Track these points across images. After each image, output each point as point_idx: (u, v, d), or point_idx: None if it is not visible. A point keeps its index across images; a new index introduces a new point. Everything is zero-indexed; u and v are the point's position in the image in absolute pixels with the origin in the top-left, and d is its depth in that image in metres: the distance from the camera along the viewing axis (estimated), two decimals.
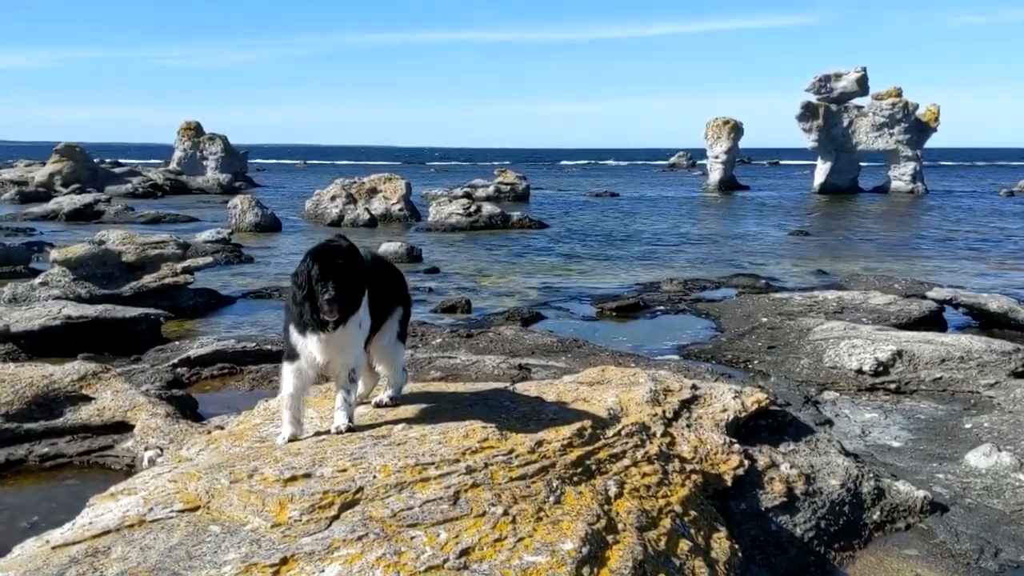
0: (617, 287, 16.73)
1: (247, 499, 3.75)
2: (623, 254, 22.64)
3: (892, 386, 9.32)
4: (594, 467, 4.42)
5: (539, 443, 4.44)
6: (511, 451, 4.28)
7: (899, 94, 53.03)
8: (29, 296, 10.59)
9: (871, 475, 6.01)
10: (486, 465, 4.07)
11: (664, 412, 5.84)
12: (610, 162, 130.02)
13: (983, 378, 9.24)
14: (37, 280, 11.32)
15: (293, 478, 3.85)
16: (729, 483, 5.30)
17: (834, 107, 53.29)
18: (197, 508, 3.89)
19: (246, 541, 3.49)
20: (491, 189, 38.75)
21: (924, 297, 13.93)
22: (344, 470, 3.92)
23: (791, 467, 5.78)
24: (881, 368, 9.52)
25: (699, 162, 66.43)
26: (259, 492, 3.75)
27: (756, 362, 10.68)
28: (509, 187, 39.61)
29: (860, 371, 9.56)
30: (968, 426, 7.98)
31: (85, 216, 28.76)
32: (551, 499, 3.94)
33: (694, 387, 6.52)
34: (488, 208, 28.02)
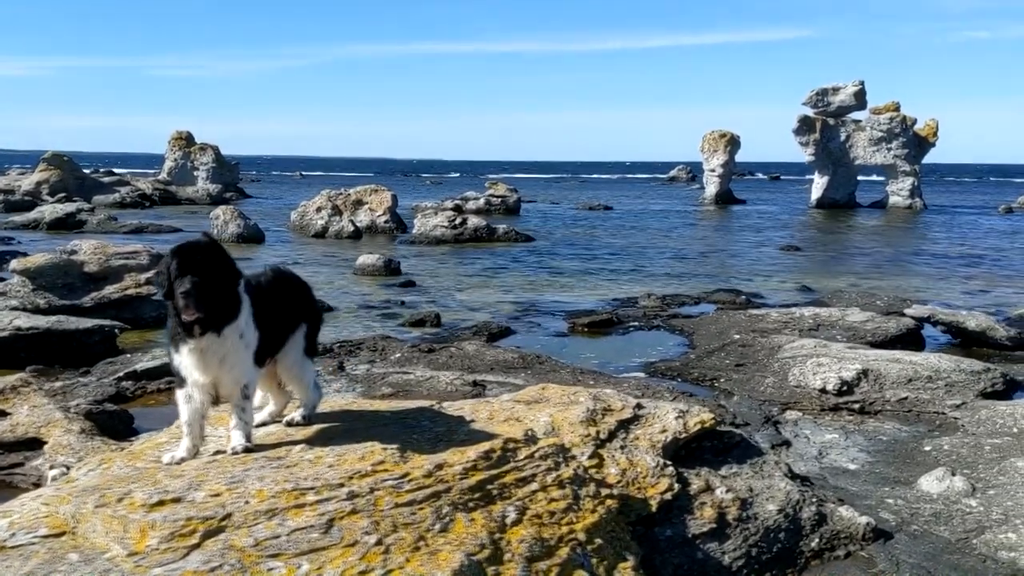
0: (595, 302, 16.52)
1: (110, 525, 3.54)
2: (607, 268, 22.44)
3: (856, 406, 9.09)
4: (496, 492, 4.21)
5: (439, 466, 4.23)
6: (405, 475, 4.07)
7: (897, 108, 52.89)
8: None
9: (814, 500, 5.78)
10: (372, 490, 3.86)
11: (598, 433, 5.63)
12: (609, 176, 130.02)
13: (950, 399, 9.02)
14: None
15: (161, 503, 3.64)
16: (654, 508, 5.09)
17: (831, 121, 53.18)
18: (63, 534, 3.68)
19: (98, 571, 3.29)
20: (481, 202, 38.61)
21: (902, 314, 13.72)
22: (217, 494, 3.72)
23: (727, 491, 5.56)
24: (845, 387, 9.30)
25: (699, 175, 66.24)
26: (122, 517, 3.55)
27: (723, 380, 10.47)
28: (500, 199, 39.46)
29: (824, 390, 9.34)
30: (927, 449, 7.76)
31: (67, 226, 28.62)
32: (437, 527, 3.73)
33: (638, 406, 6.30)
34: (474, 221, 27.84)
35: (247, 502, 3.65)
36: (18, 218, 30.69)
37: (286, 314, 4.63)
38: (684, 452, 5.97)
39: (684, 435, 6.02)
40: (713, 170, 56.51)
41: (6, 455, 5.62)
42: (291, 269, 5.07)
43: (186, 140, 52.24)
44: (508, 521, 3.99)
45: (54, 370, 9.07)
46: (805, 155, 53.24)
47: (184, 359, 4.13)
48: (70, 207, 30.07)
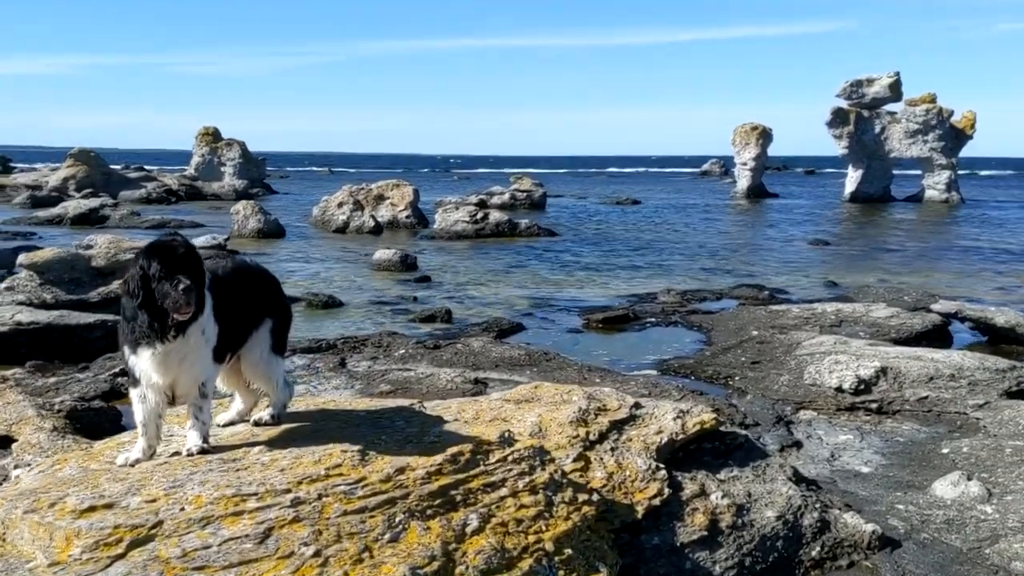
0: (612, 298, 16.20)
1: (37, 532, 3.35)
2: (629, 264, 22.09)
3: (873, 405, 8.72)
4: (460, 498, 3.95)
5: (400, 470, 3.98)
6: (360, 480, 3.83)
7: (933, 100, 51.78)
8: None
9: (817, 506, 5.46)
10: (320, 496, 3.62)
11: (588, 434, 5.38)
12: (639, 170, 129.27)
13: (972, 398, 8.62)
14: (3, 285, 11.12)
15: (92, 508, 3.43)
16: (640, 515, 4.81)
17: (866, 113, 52.17)
18: None
19: None
20: (506, 196, 38.28)
21: (929, 310, 13.27)
22: (153, 500, 3.50)
23: (723, 496, 5.26)
24: (862, 386, 8.92)
25: (732, 169, 65.44)
26: (49, 524, 3.34)
27: (737, 378, 10.13)
28: (525, 194, 39.11)
29: (840, 389, 8.97)
30: (945, 451, 7.38)
31: (90, 221, 28.81)
32: (386, 536, 3.49)
33: (636, 406, 6.01)
34: (495, 216, 27.57)
35: (182, 509, 3.43)
36: (42, 213, 30.94)
37: (248, 308, 4.41)
38: (682, 454, 5.69)
39: (682, 436, 5.73)
40: (745, 164, 55.76)
41: None
42: (256, 262, 4.86)
43: (213, 136, 52.25)
44: (468, 530, 3.73)
45: (53, 365, 8.97)
46: (838, 148, 52.32)
47: (144, 362, 3.93)
48: (93, 202, 30.27)
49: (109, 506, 3.44)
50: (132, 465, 4.06)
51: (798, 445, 7.72)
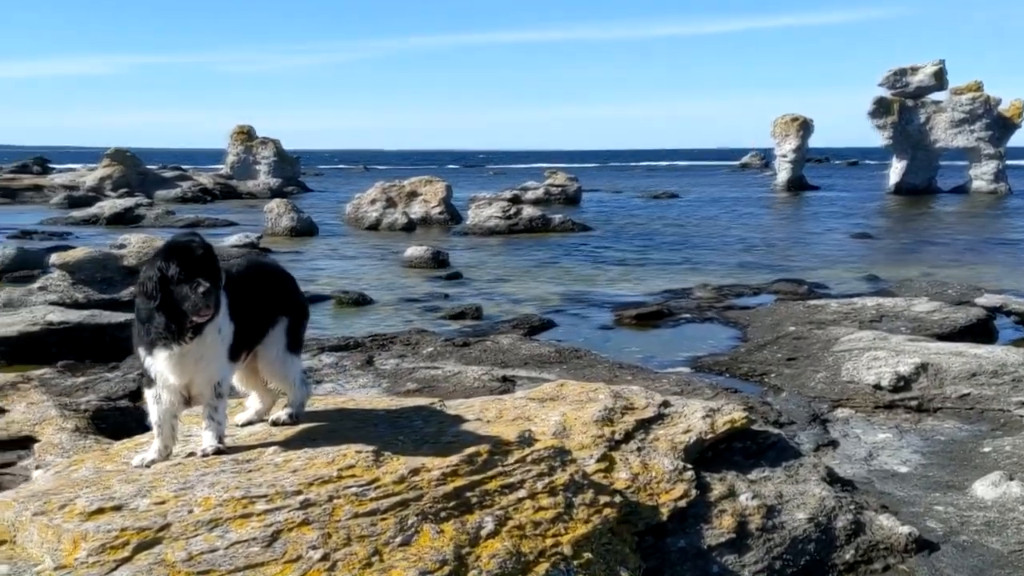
0: (646, 294, 16.02)
1: (45, 534, 3.31)
2: (664, 258, 21.87)
3: (913, 403, 8.48)
4: (475, 500, 3.86)
5: (415, 471, 3.90)
6: (373, 481, 3.75)
7: (979, 88, 50.67)
8: (25, 301, 10.49)
9: (851, 507, 5.29)
10: (330, 498, 3.55)
11: (613, 433, 5.26)
12: (678, 163, 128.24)
13: (1016, 395, 8.35)
14: (36, 284, 11.25)
15: (100, 511, 3.39)
16: (665, 516, 4.69)
17: (909, 102, 51.18)
18: (3, 542, 3.48)
19: None
20: (540, 191, 38.11)
21: (973, 304, 12.92)
22: (162, 502, 3.46)
23: (753, 497, 5.12)
24: (902, 383, 8.69)
25: (772, 162, 64.61)
26: (57, 527, 3.31)
27: (772, 375, 9.93)
28: (559, 189, 38.90)
29: (878, 386, 8.74)
30: (987, 450, 7.15)
31: (125, 220, 29.16)
32: (397, 540, 3.41)
33: (664, 404, 5.89)
34: (529, 211, 27.45)
35: (191, 511, 3.38)
36: (78, 213, 31.38)
37: (263, 307, 4.36)
38: (711, 454, 5.55)
39: (711, 436, 5.59)
40: (785, 156, 55.02)
41: None
42: (272, 260, 4.82)
43: (247, 135, 52.56)
44: (483, 533, 3.64)
45: (83, 365, 9.03)
46: (881, 139, 51.40)
47: (160, 363, 3.90)
48: (129, 202, 30.67)
49: (118, 508, 3.40)
50: (147, 466, 4.03)
51: (834, 444, 7.54)
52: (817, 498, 5.26)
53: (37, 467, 5.08)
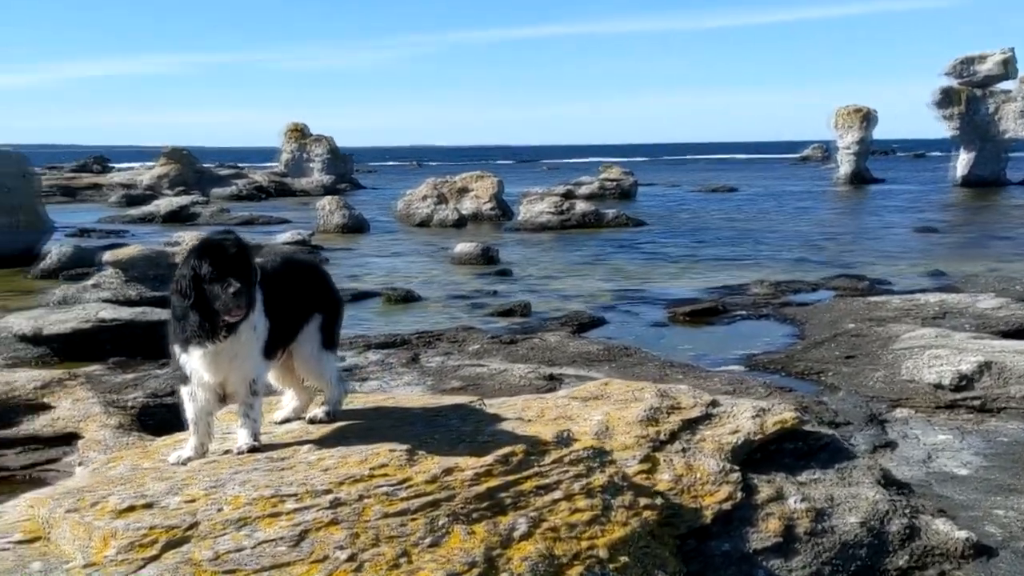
0: (701, 290, 15.77)
1: (76, 531, 3.32)
2: (720, 254, 21.53)
3: (975, 403, 8.19)
4: (509, 501, 3.78)
5: (448, 471, 3.84)
6: (404, 480, 3.70)
7: None
8: (79, 298, 10.70)
9: (906, 511, 5.10)
10: (360, 498, 3.50)
11: (658, 434, 5.14)
12: (737, 156, 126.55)
13: None
14: (90, 282, 11.46)
15: (131, 508, 3.38)
16: (709, 519, 4.56)
17: (976, 92, 49.69)
18: (37, 539, 3.49)
19: None
20: (595, 186, 37.83)
21: None
22: (193, 500, 3.44)
23: (801, 500, 4.95)
24: (964, 382, 8.39)
25: (835, 154, 63.33)
26: (88, 524, 3.31)
27: (829, 374, 9.68)
28: (614, 183, 38.57)
29: (939, 385, 8.46)
30: None
31: (181, 218, 29.69)
32: (427, 540, 3.35)
33: (712, 404, 5.75)
34: (581, 206, 27.25)
35: (220, 509, 3.36)
36: (135, 211, 32.02)
37: (298, 303, 4.34)
38: (759, 456, 5.38)
39: (759, 436, 5.44)
40: (847, 148, 53.86)
41: (45, 450, 5.60)
42: (307, 256, 4.80)
43: (301, 132, 53.02)
44: (516, 535, 3.56)
45: (134, 361, 9.15)
46: (947, 129, 50.03)
47: (195, 361, 3.91)
48: (184, 200, 31.22)
49: (148, 506, 3.40)
50: (183, 463, 4.03)
51: (891, 445, 7.31)
52: (869, 501, 5.07)
53: (79, 463, 5.15)
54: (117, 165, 66.19)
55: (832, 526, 4.82)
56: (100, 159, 66.29)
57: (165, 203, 31.28)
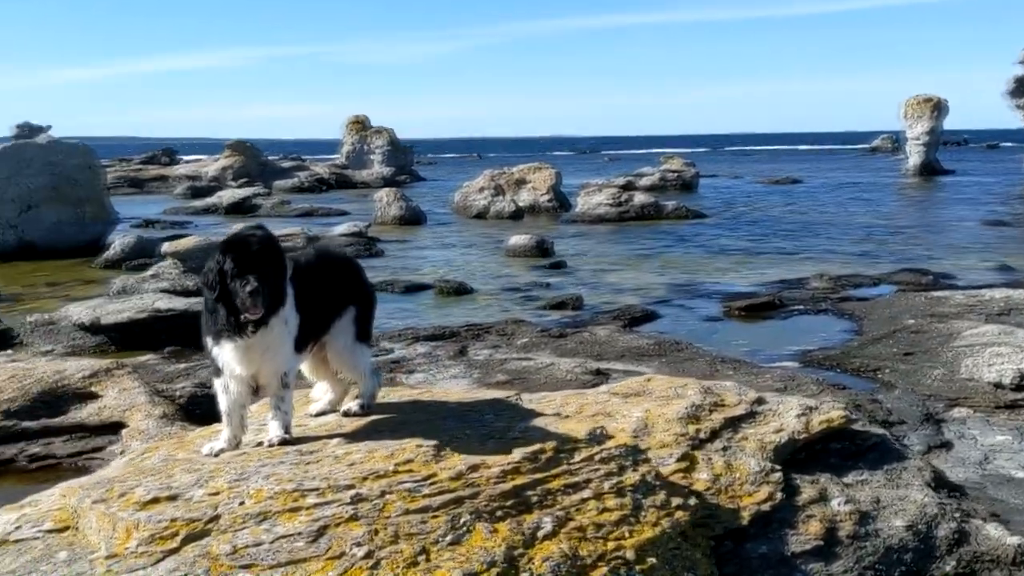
0: (759, 284, 15.47)
1: (102, 522, 3.36)
2: (780, 247, 21.11)
3: None
4: (535, 499, 3.72)
5: (474, 467, 3.80)
6: (429, 477, 3.66)
7: None
8: (138, 288, 10.91)
9: (956, 515, 4.91)
10: (382, 493, 3.48)
11: (698, 431, 5.04)
12: (803, 147, 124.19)
13: None
14: (149, 272, 11.67)
15: (155, 500, 3.41)
16: (746, 521, 4.44)
17: None
18: (66, 528, 3.55)
19: (74, 573, 3.09)
20: (656, 177, 37.42)
21: None
22: (216, 493, 3.45)
23: (845, 502, 4.81)
24: None
25: (904, 145, 61.66)
26: (112, 515, 3.34)
27: (886, 371, 9.42)
28: (675, 175, 38.10)
29: (999, 384, 8.18)
30: None
31: (243, 209, 30.16)
32: (448, 539, 3.31)
33: (758, 401, 5.64)
34: (640, 198, 26.93)
35: (242, 503, 3.36)
36: (199, 203, 32.65)
37: (331, 296, 4.34)
38: (804, 455, 5.25)
39: (804, 436, 5.30)
40: (916, 139, 52.40)
41: (91, 438, 5.70)
42: (340, 249, 4.79)
43: (362, 124, 53.42)
44: (540, 534, 3.50)
45: (188, 351, 9.30)
46: (1020, 120, 48.37)
47: (226, 354, 3.93)
48: (246, 192, 31.73)
49: (172, 498, 3.42)
50: (216, 455, 4.05)
51: (947, 446, 7.09)
52: (918, 504, 4.91)
53: (121, 452, 5.24)
54: (185, 157, 67.47)
55: (876, 529, 4.67)
56: (168, 151, 67.69)
57: (228, 195, 31.83)
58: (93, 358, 7.31)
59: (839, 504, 4.77)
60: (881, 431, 6.06)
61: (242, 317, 3.74)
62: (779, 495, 4.66)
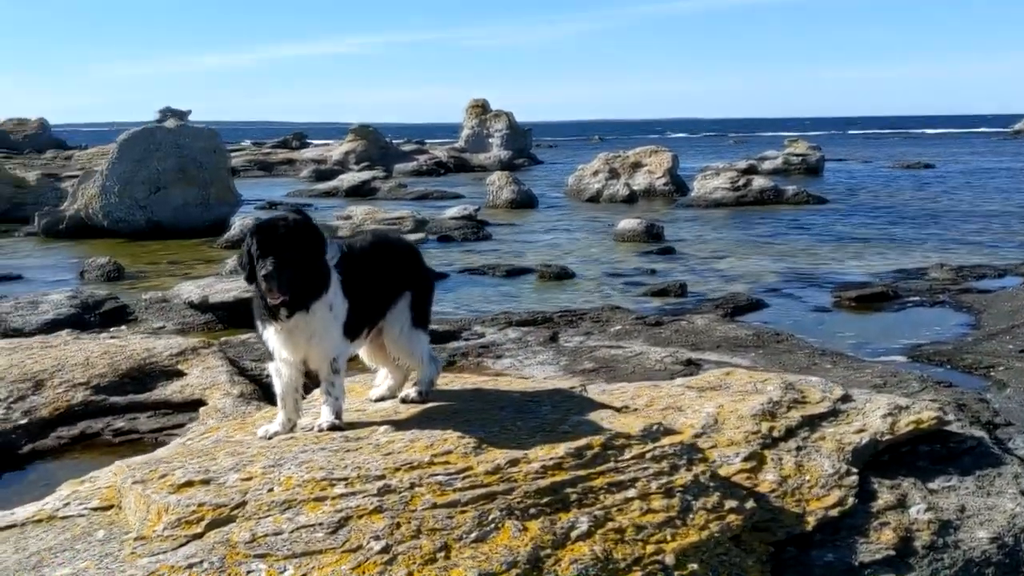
0: (875, 273, 14.75)
1: (138, 504, 3.42)
2: (905, 234, 20.09)
3: None
4: (575, 497, 3.59)
5: (513, 462, 3.69)
6: (465, 470, 3.58)
7: None
8: None
9: None
10: (412, 486, 3.42)
11: (771, 430, 4.80)
12: (941, 130, 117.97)
13: None
14: None
15: (189, 483, 3.44)
16: (812, 526, 4.20)
17: None
18: (111, 507, 3.65)
19: (98, 555, 3.16)
20: (779, 161, 36.18)
21: None
22: (249, 478, 3.47)
23: (926, 510, 4.49)
24: None
25: None
26: (148, 497, 3.40)
27: (1001, 368, 8.81)
28: (800, 159, 36.73)
29: None
30: None
31: (362, 192, 30.77)
32: (472, 535, 3.22)
33: (844, 399, 5.35)
34: (759, 182, 26.07)
35: (271, 489, 3.36)
36: (321, 186, 33.55)
37: (384, 282, 4.32)
38: (888, 457, 4.94)
39: (888, 437, 4.99)
40: None
41: (173, 415, 5.88)
42: (396, 234, 4.75)
43: (482, 108, 53.62)
44: (574, 534, 3.37)
45: None
46: None
47: (272, 338, 3.96)
48: (365, 175, 32.42)
49: (206, 482, 3.44)
50: (269, 438, 4.09)
51: None
52: (1007, 514, 4.55)
53: None
54: (314, 142, 69.48)
55: (957, 540, 4.34)
56: (299, 136, 69.87)
57: (348, 178, 32.64)
58: (190, 336, 7.56)
59: (918, 512, 4.46)
60: (980, 433, 5.64)
61: (266, 300, 3.74)
62: (850, 500, 4.39)
